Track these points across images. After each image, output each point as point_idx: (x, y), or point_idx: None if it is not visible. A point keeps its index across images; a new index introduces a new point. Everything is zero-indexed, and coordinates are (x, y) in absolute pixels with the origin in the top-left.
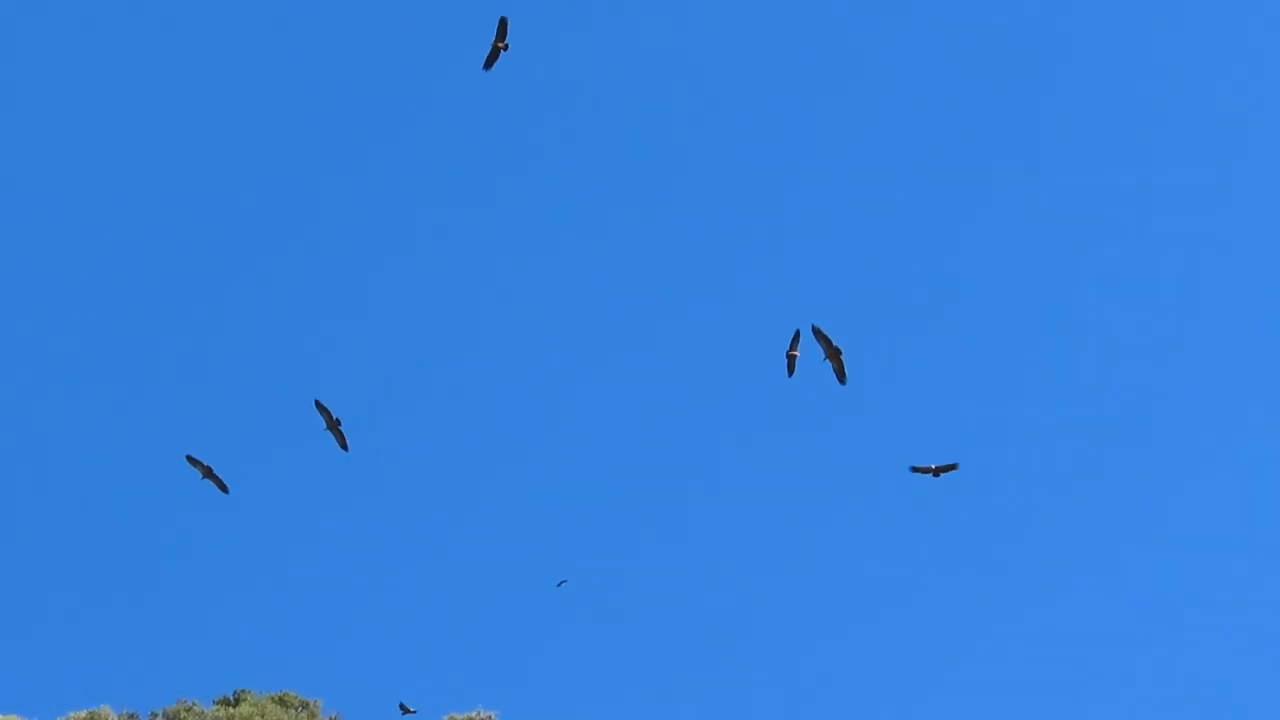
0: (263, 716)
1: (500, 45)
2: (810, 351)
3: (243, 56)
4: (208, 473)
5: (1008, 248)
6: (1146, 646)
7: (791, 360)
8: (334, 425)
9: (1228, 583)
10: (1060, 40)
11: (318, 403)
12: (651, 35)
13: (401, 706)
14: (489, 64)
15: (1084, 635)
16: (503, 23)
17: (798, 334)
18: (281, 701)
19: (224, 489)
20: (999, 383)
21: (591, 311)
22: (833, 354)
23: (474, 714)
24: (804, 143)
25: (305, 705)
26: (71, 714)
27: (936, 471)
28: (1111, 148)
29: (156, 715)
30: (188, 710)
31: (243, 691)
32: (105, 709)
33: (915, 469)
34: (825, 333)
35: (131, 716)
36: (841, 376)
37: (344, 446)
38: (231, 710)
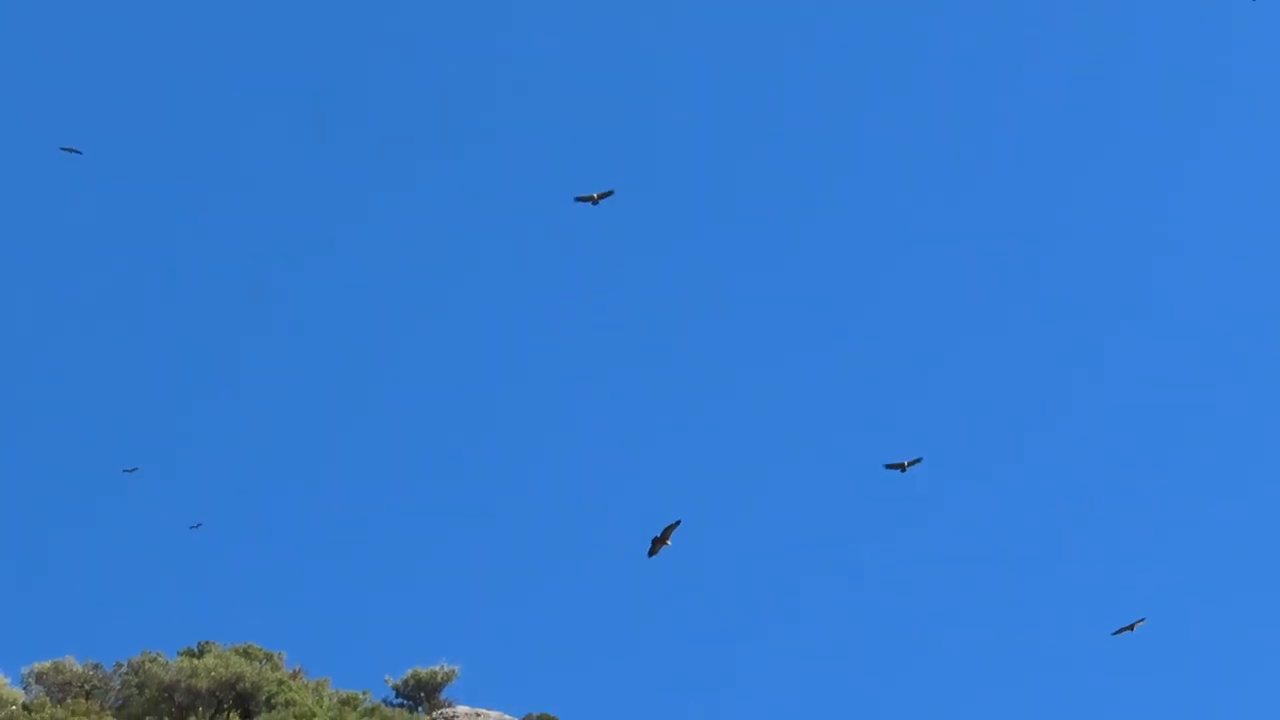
0: (227, 668)
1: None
2: None
3: (242, 56)
4: None
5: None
6: None
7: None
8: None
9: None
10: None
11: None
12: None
13: None
14: None
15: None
16: None
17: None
18: (246, 654)
19: None
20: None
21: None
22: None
23: (438, 668)
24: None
25: (269, 657)
26: (36, 665)
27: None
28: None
29: (121, 666)
30: (152, 661)
31: (207, 643)
32: (70, 660)
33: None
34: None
35: (96, 667)
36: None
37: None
38: (196, 662)
